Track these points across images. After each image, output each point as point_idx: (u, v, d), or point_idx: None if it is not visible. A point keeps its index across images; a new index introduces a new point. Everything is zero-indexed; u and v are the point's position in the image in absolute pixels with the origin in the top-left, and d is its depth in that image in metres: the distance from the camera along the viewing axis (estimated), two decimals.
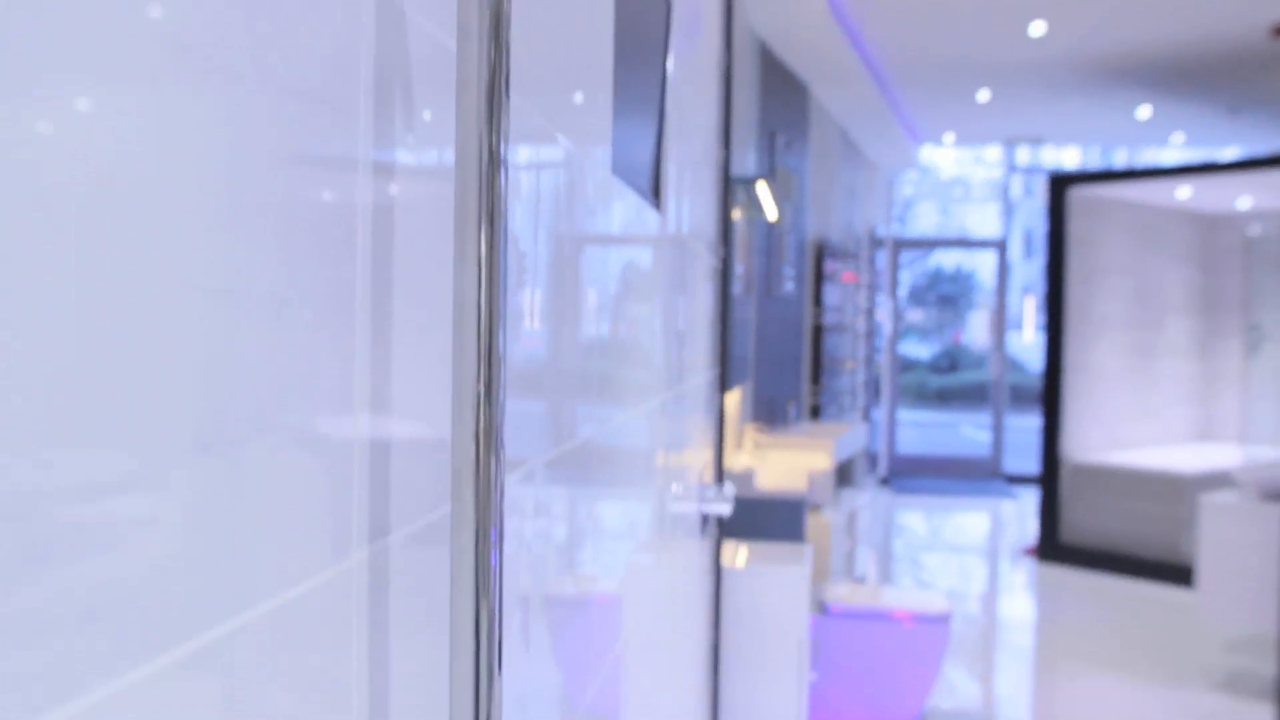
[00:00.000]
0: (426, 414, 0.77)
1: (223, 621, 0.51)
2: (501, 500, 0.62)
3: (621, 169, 1.49)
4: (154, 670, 0.46)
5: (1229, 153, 9.79)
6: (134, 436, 0.45)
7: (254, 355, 0.53)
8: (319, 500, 0.60)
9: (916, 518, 9.58)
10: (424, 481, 0.76)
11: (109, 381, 0.43)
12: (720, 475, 2.97)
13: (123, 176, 0.43)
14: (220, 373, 0.51)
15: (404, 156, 0.71)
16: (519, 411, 1.02)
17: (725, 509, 2.73)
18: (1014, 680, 5.39)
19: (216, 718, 0.51)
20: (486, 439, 0.60)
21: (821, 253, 7.40)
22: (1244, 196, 8.05)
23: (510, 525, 0.98)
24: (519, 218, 0.98)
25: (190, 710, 0.49)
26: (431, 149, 0.77)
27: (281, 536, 0.56)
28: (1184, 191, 7.96)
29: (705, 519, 2.76)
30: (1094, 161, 14.84)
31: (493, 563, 0.61)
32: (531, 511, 1.06)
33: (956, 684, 5.17)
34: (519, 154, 0.98)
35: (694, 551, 2.56)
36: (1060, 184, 7.91)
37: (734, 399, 4.33)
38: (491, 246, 0.59)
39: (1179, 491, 7.35)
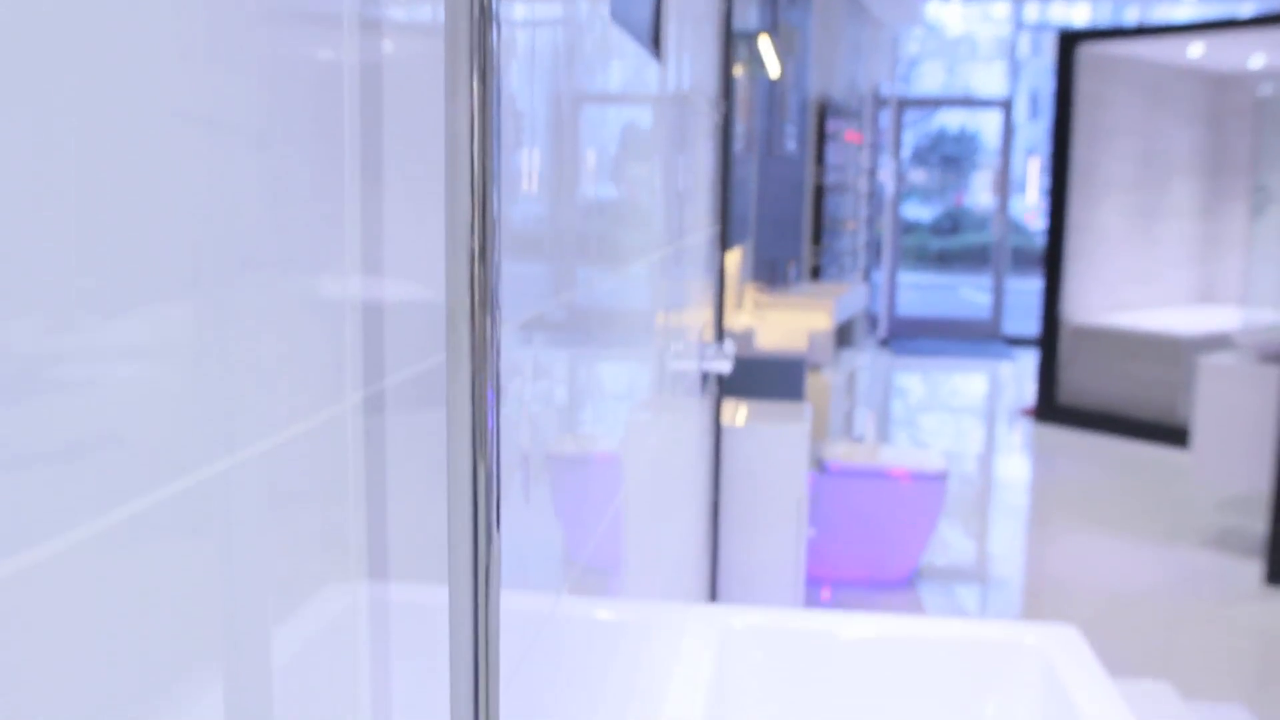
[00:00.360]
0: (421, 272, 0.76)
1: (215, 460, 0.51)
2: (498, 361, 0.61)
3: (621, 18, 1.46)
4: (142, 508, 0.46)
5: (1246, 9, 9.59)
6: (114, 262, 0.44)
7: (241, 191, 0.52)
8: (311, 342, 0.60)
9: (915, 379, 9.63)
10: (419, 333, 0.76)
11: (89, 200, 0.42)
12: (720, 333, 2.97)
13: (100, 11, 0.42)
14: (207, 203, 0.50)
15: (393, 11, 0.70)
16: (517, 274, 1.01)
17: (725, 366, 2.75)
18: (1007, 537, 5.48)
19: (213, 554, 0.51)
20: (481, 300, 0.59)
21: (824, 111, 7.30)
22: (1257, 55, 7.91)
23: (509, 385, 0.98)
24: (515, 76, 0.96)
25: (186, 547, 0.49)
26: (423, 2, 0.75)
27: (273, 377, 0.56)
28: (1196, 49, 7.82)
29: (705, 377, 2.78)
30: (1104, 18, 14.54)
31: (489, 425, 0.61)
32: (530, 372, 1.06)
33: (951, 541, 5.26)
34: (514, 9, 0.96)
35: (694, 409, 2.57)
36: (1069, 42, 7.77)
37: (734, 258, 4.32)
38: (484, 105, 0.58)
39: (1177, 353, 7.38)
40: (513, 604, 1.02)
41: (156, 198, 0.46)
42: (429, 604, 0.81)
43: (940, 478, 4.47)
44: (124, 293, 0.44)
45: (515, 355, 1.00)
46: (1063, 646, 2.35)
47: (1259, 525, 5.30)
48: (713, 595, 3.22)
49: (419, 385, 0.76)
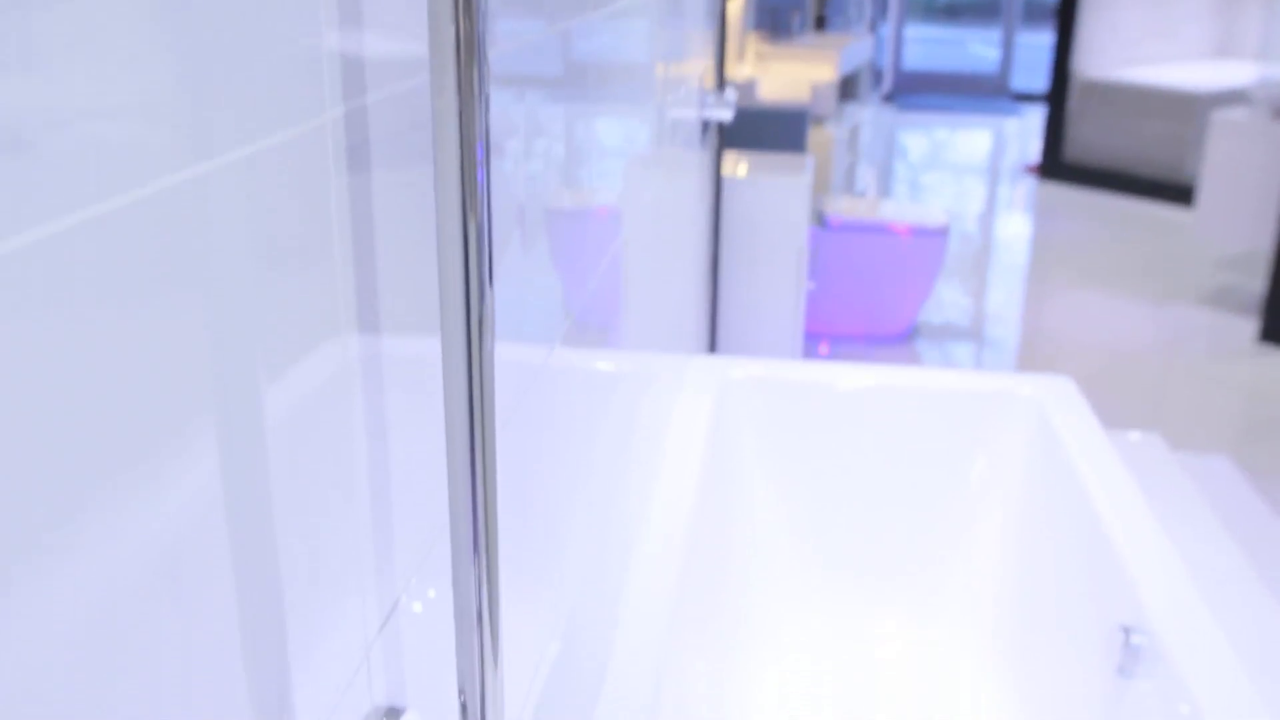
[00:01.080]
0: (405, 21, 0.74)
1: (191, 165, 0.50)
2: (486, 115, 0.60)
3: None
4: (115, 207, 0.45)
5: None
6: None
7: None
8: (285, 48, 0.57)
9: (919, 135, 9.50)
10: (401, 69, 0.75)
11: None
12: (721, 81, 2.92)
13: None
14: None
15: None
16: (508, 30, 0.98)
17: (726, 114, 2.70)
18: (1006, 295, 5.51)
19: (188, 256, 0.50)
20: (468, 48, 0.58)
21: None
22: None
23: (505, 143, 0.97)
24: None
25: (163, 260, 0.48)
26: None
27: (245, 83, 0.54)
28: None
29: (706, 127, 2.74)
30: None
31: (479, 179, 0.61)
32: (525, 127, 1.04)
33: (949, 298, 5.29)
34: None
35: (694, 161, 2.55)
36: None
37: (736, 5, 4.20)
38: None
39: (1189, 109, 7.25)
40: (507, 354, 1.03)
41: None
42: (424, 355, 0.82)
43: (941, 234, 4.46)
44: None
45: (510, 111, 0.99)
46: (1057, 397, 2.39)
47: (1257, 283, 5.32)
48: (712, 347, 3.27)
49: (407, 126, 0.75)
